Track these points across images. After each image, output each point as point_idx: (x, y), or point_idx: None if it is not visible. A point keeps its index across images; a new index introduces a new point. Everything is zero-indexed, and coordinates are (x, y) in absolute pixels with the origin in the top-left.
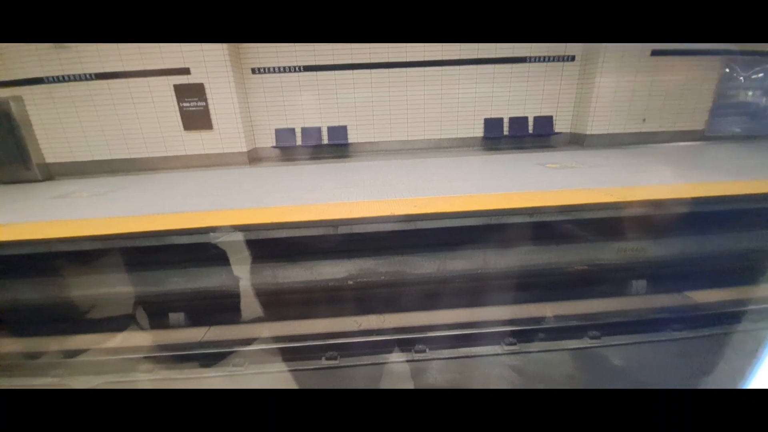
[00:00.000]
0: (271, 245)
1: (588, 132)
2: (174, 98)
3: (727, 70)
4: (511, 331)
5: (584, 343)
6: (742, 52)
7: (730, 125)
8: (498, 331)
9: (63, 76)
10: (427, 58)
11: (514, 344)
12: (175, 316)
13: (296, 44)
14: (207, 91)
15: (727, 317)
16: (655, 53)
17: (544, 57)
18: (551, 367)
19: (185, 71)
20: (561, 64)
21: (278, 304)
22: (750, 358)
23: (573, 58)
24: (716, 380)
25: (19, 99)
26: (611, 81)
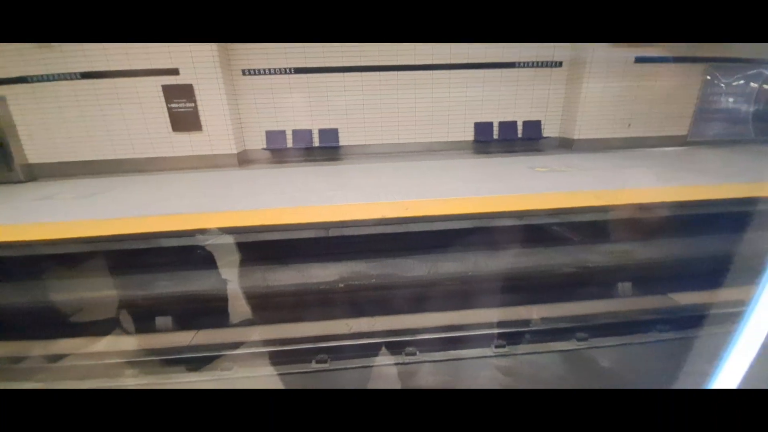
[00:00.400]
0: (261, 248)
1: (576, 136)
2: (162, 99)
3: (709, 77)
4: (501, 333)
5: (572, 344)
6: (723, 59)
7: (712, 130)
8: (487, 334)
9: (47, 76)
10: (418, 62)
11: (504, 346)
12: (162, 320)
13: (287, 46)
14: (196, 92)
15: (711, 318)
16: (639, 60)
17: (533, 62)
18: (540, 369)
19: (174, 72)
20: (549, 69)
21: (268, 307)
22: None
23: (560, 64)
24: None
25: (1, 98)
26: (597, 87)
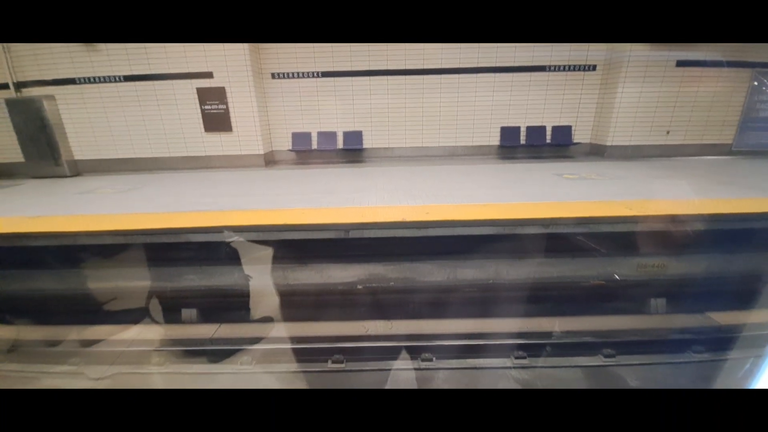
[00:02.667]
0: (283, 247)
1: (609, 143)
2: (196, 101)
3: (756, 83)
4: (522, 344)
5: (598, 360)
6: None
7: (760, 139)
8: (508, 344)
9: (93, 78)
10: (444, 66)
11: (524, 358)
12: (187, 312)
13: (315, 50)
14: (228, 94)
15: (753, 340)
16: (680, 63)
17: (565, 66)
18: (562, 384)
19: (208, 75)
20: (582, 73)
21: (287, 305)
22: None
23: (594, 68)
24: None
25: (51, 98)
26: (634, 91)
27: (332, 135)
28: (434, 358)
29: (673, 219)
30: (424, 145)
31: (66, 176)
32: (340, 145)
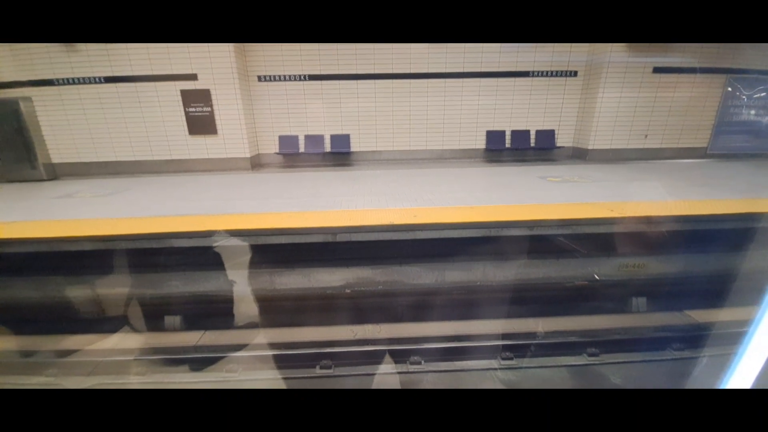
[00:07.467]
0: (269, 251)
1: (590, 147)
2: (180, 103)
3: (730, 89)
4: (508, 345)
5: (582, 360)
6: (744, 71)
7: (733, 143)
8: (495, 345)
9: (73, 79)
10: (430, 70)
11: (511, 359)
12: (170, 319)
13: (302, 53)
14: (213, 96)
15: (730, 337)
16: (657, 70)
17: (547, 72)
18: (549, 384)
19: (193, 77)
20: (564, 79)
21: (274, 310)
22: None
23: (575, 74)
24: None
25: (28, 99)
26: (614, 97)
27: (320, 138)
28: (423, 361)
29: (653, 220)
30: (412, 148)
31: (42, 180)
32: (327, 148)
